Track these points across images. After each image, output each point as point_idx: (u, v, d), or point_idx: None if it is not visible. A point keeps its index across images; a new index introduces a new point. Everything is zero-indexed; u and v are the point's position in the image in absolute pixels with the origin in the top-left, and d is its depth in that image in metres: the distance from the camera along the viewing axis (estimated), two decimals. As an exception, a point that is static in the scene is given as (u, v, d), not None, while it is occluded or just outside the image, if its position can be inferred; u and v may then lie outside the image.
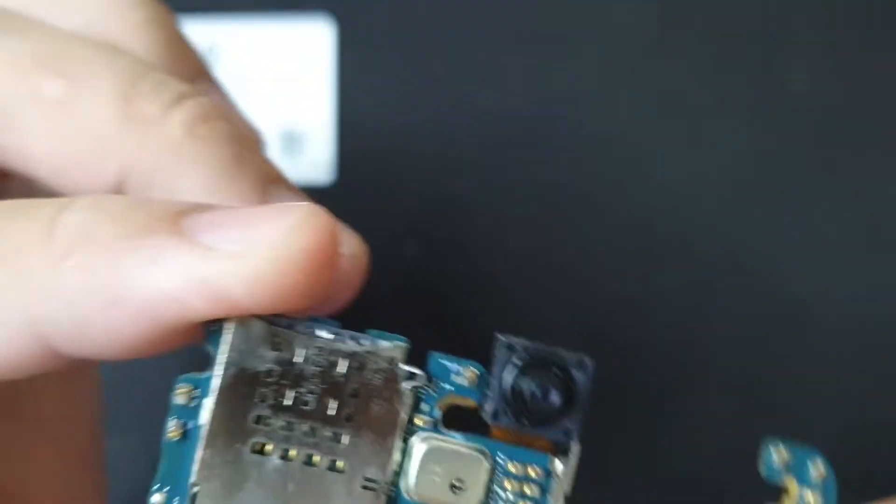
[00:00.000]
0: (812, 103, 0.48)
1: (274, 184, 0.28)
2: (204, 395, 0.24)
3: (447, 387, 0.25)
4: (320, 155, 0.49)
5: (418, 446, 0.25)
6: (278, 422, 0.24)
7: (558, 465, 0.25)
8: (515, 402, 0.25)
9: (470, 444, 0.25)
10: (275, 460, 0.24)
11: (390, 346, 0.25)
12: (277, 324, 0.24)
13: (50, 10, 0.30)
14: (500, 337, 0.25)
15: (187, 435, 0.24)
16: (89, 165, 0.27)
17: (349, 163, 0.49)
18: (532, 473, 0.25)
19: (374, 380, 0.25)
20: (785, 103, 0.48)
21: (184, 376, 0.25)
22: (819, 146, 0.47)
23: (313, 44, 0.50)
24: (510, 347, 0.25)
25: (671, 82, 0.47)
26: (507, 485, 0.25)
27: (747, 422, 0.45)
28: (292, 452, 0.24)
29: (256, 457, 0.24)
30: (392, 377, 0.25)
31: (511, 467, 0.25)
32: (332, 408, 0.24)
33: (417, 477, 0.25)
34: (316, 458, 0.24)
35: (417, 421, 0.25)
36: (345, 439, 0.24)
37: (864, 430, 0.45)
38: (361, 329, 0.25)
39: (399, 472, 0.25)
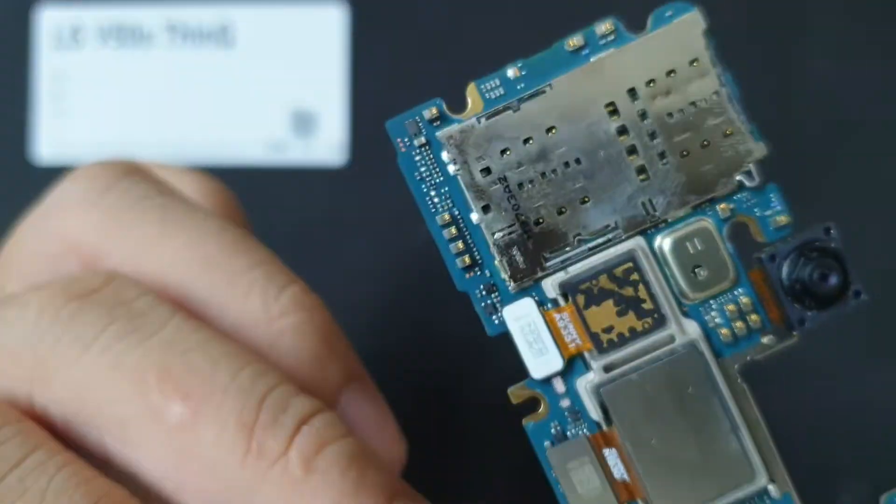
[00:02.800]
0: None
1: (398, 499, 0.29)
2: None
3: (756, 210, 0.27)
4: (333, 136, 0.50)
5: (701, 224, 0.27)
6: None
7: (769, 338, 0.27)
8: (795, 271, 0.27)
9: (731, 253, 0.27)
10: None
11: (759, 145, 0.27)
12: None
13: (214, 301, 0.30)
14: (833, 228, 0.27)
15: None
16: (205, 494, 0.27)
17: (362, 144, 0.49)
18: (753, 319, 0.27)
19: (725, 151, 0.27)
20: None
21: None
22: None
23: (327, 26, 0.51)
24: (827, 230, 0.27)
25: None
26: (729, 308, 0.27)
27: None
28: (633, 140, 0.27)
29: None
30: (738, 162, 0.27)
31: (743, 299, 0.27)
32: (681, 137, 0.27)
33: (674, 241, 0.27)
34: (632, 158, 0.27)
35: (718, 206, 0.27)
36: (667, 161, 0.27)
37: None
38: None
39: (666, 222, 0.27)
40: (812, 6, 0.49)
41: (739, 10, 0.49)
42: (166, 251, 0.31)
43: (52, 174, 0.48)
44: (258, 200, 0.50)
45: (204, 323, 0.29)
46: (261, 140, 0.51)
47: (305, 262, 0.48)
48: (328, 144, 0.51)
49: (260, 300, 0.30)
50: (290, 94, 0.51)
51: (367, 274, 0.49)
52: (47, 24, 0.51)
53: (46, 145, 0.51)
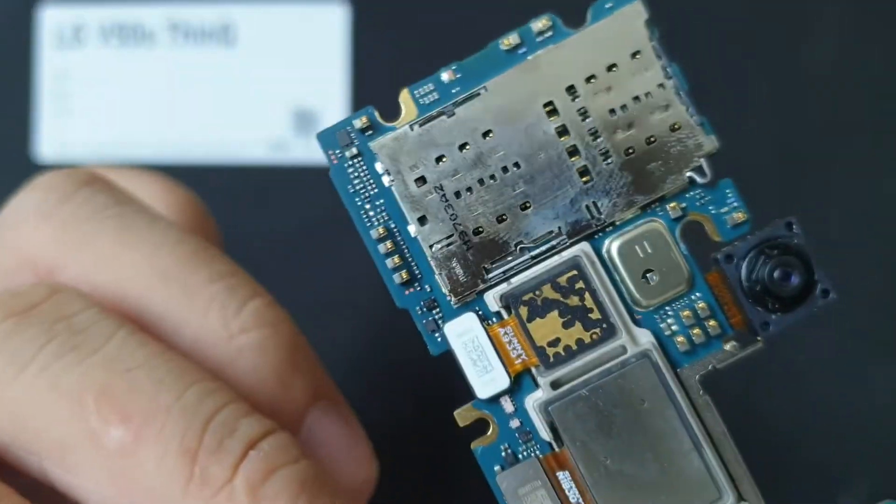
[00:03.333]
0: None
1: None
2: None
3: (711, 208, 0.26)
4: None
5: (651, 225, 0.26)
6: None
7: (731, 345, 0.26)
8: (753, 272, 0.25)
9: (685, 255, 0.25)
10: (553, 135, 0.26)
11: (709, 139, 0.25)
12: None
13: (171, 317, 0.29)
14: (794, 223, 0.25)
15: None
16: None
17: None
18: (711, 325, 0.25)
19: (673, 147, 0.25)
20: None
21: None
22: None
23: (328, 25, 0.50)
24: (789, 225, 0.25)
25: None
26: (684, 314, 0.25)
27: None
28: (574, 140, 0.26)
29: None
30: (687, 157, 0.25)
31: (699, 304, 0.26)
32: (625, 134, 0.25)
33: (621, 245, 0.26)
34: (574, 159, 0.25)
35: (668, 205, 0.26)
36: (611, 161, 0.25)
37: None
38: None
39: (614, 226, 0.25)
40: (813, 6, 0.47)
41: (739, 10, 0.48)
42: (123, 265, 0.30)
43: (54, 172, 0.49)
44: (259, 199, 0.49)
45: (151, 337, 0.28)
46: (262, 139, 0.50)
47: (306, 262, 0.48)
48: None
49: (219, 316, 0.29)
50: (291, 93, 0.50)
51: (368, 273, 0.48)
52: (49, 22, 0.51)
53: (48, 144, 0.51)
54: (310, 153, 0.50)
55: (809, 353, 0.44)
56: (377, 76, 0.49)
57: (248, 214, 0.48)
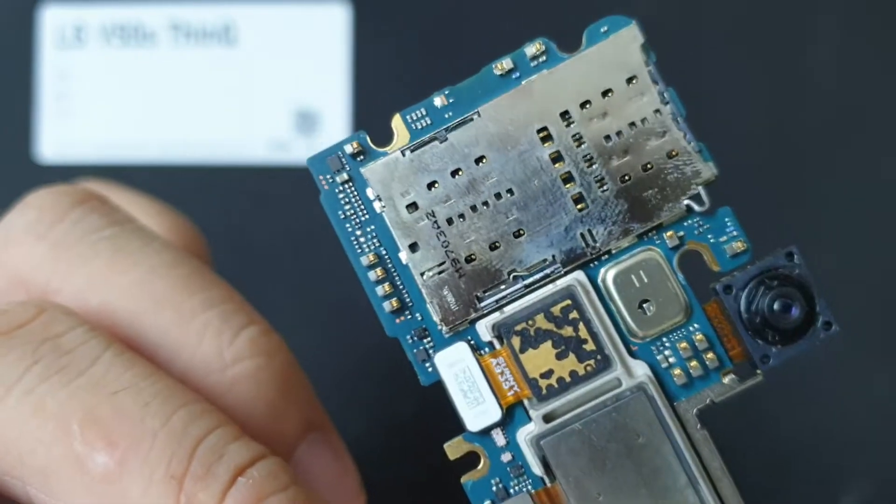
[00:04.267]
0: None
1: None
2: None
3: (710, 236, 0.25)
4: (336, 135, 0.49)
5: (647, 254, 0.25)
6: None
7: (730, 378, 0.25)
8: (752, 305, 0.25)
9: (682, 285, 0.25)
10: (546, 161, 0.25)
11: (708, 166, 0.25)
12: None
13: (164, 344, 0.28)
14: (795, 253, 0.25)
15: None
16: None
17: (370, 137, 0.49)
18: (710, 358, 0.25)
19: (670, 174, 0.25)
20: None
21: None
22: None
23: (330, 25, 0.49)
24: (789, 255, 0.25)
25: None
26: (681, 346, 0.25)
27: None
28: (568, 167, 0.25)
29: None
30: (684, 185, 0.25)
31: (697, 336, 0.25)
32: (620, 161, 0.25)
33: (617, 274, 0.25)
34: (569, 186, 0.25)
35: (665, 234, 0.25)
36: (607, 188, 0.25)
37: None
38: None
39: (609, 255, 0.25)
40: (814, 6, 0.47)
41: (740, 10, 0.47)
42: (115, 288, 0.29)
43: (56, 173, 0.49)
44: (261, 200, 0.49)
45: (139, 358, 0.28)
46: (264, 139, 0.50)
47: (308, 262, 0.48)
48: (329, 142, 0.50)
49: (213, 344, 0.29)
50: (292, 94, 0.50)
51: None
52: (50, 22, 0.51)
53: (49, 144, 0.51)
54: (311, 153, 0.50)
55: (818, 353, 0.43)
56: (378, 76, 0.49)
57: (249, 214, 0.48)
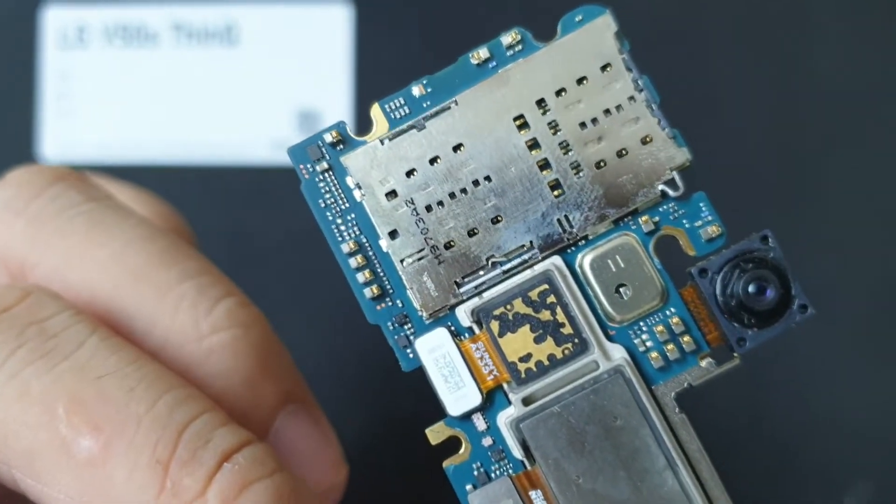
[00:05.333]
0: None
1: None
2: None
3: (685, 221, 0.26)
4: None
5: (623, 239, 0.26)
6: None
7: (707, 361, 0.26)
8: (727, 286, 0.25)
9: (658, 269, 0.25)
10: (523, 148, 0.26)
11: (681, 151, 0.25)
12: None
13: (141, 316, 0.28)
14: (770, 236, 0.25)
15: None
16: None
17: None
18: (686, 341, 0.25)
19: (644, 160, 0.25)
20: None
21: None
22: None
23: (332, 26, 0.50)
24: (764, 239, 0.25)
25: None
26: (658, 329, 0.25)
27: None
28: (545, 154, 0.26)
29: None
30: (659, 170, 0.25)
31: (673, 319, 0.25)
32: (595, 148, 0.25)
33: (594, 259, 0.26)
34: (545, 172, 0.26)
35: (640, 219, 0.26)
36: (582, 174, 0.25)
37: None
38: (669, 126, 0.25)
39: (586, 240, 0.26)
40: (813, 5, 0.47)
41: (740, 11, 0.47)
42: (92, 262, 0.29)
43: (57, 172, 0.50)
44: (262, 199, 0.49)
45: (125, 342, 0.28)
46: (265, 139, 0.50)
47: (310, 261, 0.48)
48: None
49: (189, 315, 0.29)
50: (294, 94, 0.51)
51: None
52: (52, 23, 0.52)
53: (51, 144, 0.51)
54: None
55: (813, 355, 0.43)
56: (380, 76, 0.49)
57: (251, 214, 0.49)
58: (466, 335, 0.26)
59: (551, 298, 0.25)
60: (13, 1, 0.52)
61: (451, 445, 0.26)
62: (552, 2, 0.48)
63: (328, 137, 0.26)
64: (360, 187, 0.26)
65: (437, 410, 0.26)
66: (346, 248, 0.26)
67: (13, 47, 0.52)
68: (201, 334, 0.29)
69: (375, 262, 0.26)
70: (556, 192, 0.26)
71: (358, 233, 0.26)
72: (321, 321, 0.48)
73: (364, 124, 0.49)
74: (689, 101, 0.45)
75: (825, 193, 0.46)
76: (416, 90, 0.26)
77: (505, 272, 0.26)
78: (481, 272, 0.26)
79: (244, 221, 0.49)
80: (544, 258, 0.26)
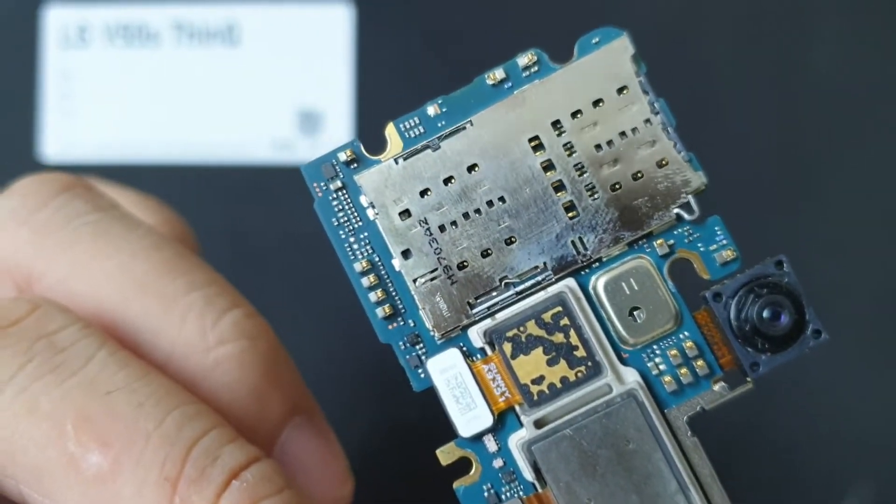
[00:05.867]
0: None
1: None
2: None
3: (699, 245, 0.26)
4: (339, 135, 0.49)
5: (638, 262, 0.26)
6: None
7: (720, 385, 0.26)
8: (742, 311, 0.25)
9: (672, 292, 0.25)
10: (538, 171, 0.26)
11: (697, 175, 0.25)
12: None
13: (147, 327, 0.28)
14: (784, 262, 0.25)
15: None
16: None
17: (368, 143, 0.49)
18: (699, 365, 0.25)
19: (660, 183, 0.25)
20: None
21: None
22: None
23: (333, 26, 0.50)
24: (779, 264, 0.25)
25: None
26: (671, 353, 0.25)
27: None
28: (560, 175, 0.26)
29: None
30: (674, 194, 0.25)
31: (687, 343, 0.25)
32: (611, 170, 0.25)
33: (608, 281, 0.26)
34: (560, 194, 0.25)
35: (655, 242, 0.26)
36: (597, 196, 0.25)
37: None
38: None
39: (600, 262, 0.26)
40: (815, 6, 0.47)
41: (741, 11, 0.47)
42: (99, 273, 0.29)
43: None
44: (264, 199, 0.49)
45: (133, 356, 0.28)
46: (267, 139, 0.50)
47: (312, 261, 0.48)
48: (334, 143, 0.50)
49: (196, 327, 0.29)
50: (296, 94, 0.50)
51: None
52: (54, 22, 0.52)
53: (53, 144, 0.51)
54: (315, 153, 0.50)
55: (815, 360, 0.43)
56: (381, 76, 0.49)
57: (252, 214, 0.49)
58: (478, 356, 0.26)
59: (564, 321, 0.25)
60: (14, 0, 0.52)
61: (462, 466, 0.26)
62: (556, 2, 0.48)
63: (342, 156, 0.26)
64: (373, 206, 0.26)
65: (442, 418, 0.26)
66: (358, 266, 0.26)
67: (14, 47, 0.52)
68: (208, 346, 0.29)
69: (388, 281, 0.26)
70: (570, 214, 0.26)
71: (370, 252, 0.26)
72: (323, 323, 0.48)
73: (364, 124, 0.49)
74: (688, 108, 0.45)
75: (828, 197, 0.46)
76: (432, 110, 0.26)
77: (518, 293, 0.26)
78: (494, 293, 0.26)
79: (245, 221, 0.49)
80: (558, 280, 0.26)
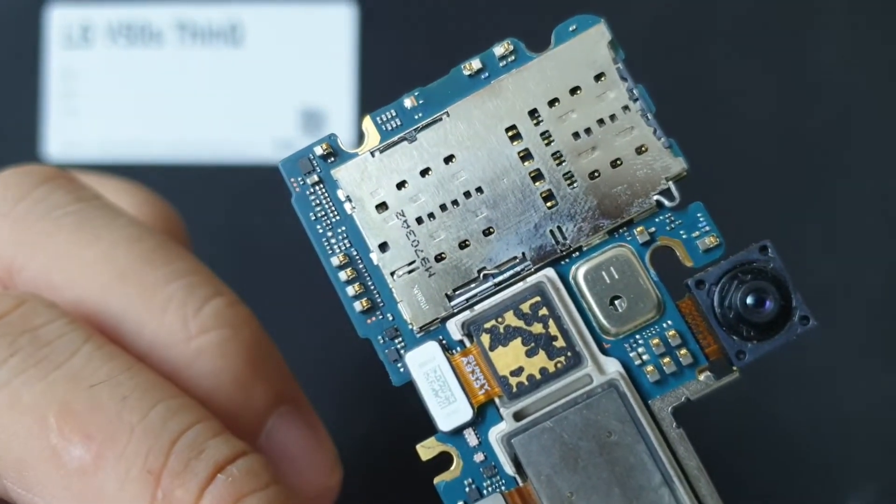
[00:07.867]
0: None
1: None
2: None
3: (682, 232, 0.25)
4: (341, 134, 0.48)
5: (618, 250, 0.25)
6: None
7: (705, 375, 0.25)
8: (725, 296, 0.25)
9: (654, 281, 0.25)
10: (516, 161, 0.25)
11: (677, 161, 0.25)
12: None
13: (129, 317, 0.28)
14: (769, 247, 0.25)
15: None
16: None
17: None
18: (682, 354, 0.25)
19: (639, 170, 0.25)
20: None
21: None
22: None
23: (335, 25, 0.50)
24: (763, 249, 0.25)
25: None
26: (654, 343, 0.25)
27: None
28: (537, 164, 0.25)
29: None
30: (654, 180, 0.25)
31: (669, 332, 0.25)
32: (589, 158, 0.25)
33: (588, 270, 0.25)
34: (538, 183, 0.25)
35: (636, 230, 0.25)
36: (576, 185, 0.25)
37: None
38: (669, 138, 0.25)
39: (580, 251, 0.25)
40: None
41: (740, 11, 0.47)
42: (79, 263, 0.29)
43: (62, 172, 0.50)
44: (266, 198, 0.49)
45: (119, 350, 0.28)
46: (269, 138, 0.51)
47: (313, 260, 0.48)
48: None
49: (177, 316, 0.29)
50: (298, 93, 0.51)
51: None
52: (57, 22, 0.52)
53: (56, 143, 0.52)
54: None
55: (817, 354, 0.43)
56: (384, 75, 0.49)
57: (254, 214, 0.49)
58: (458, 349, 0.26)
59: (543, 311, 0.25)
60: (18, 0, 0.52)
61: (443, 461, 0.26)
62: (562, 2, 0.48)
63: (319, 150, 0.26)
64: (350, 200, 0.26)
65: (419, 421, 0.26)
66: (335, 260, 0.26)
67: (18, 46, 0.52)
68: (189, 335, 0.29)
69: (366, 274, 0.26)
70: (549, 203, 0.25)
71: (348, 245, 0.26)
72: (324, 323, 0.48)
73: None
74: (682, 107, 0.45)
75: (825, 194, 0.45)
76: (408, 102, 0.26)
77: (497, 284, 0.26)
78: (473, 285, 0.26)
79: (248, 220, 0.49)
80: (537, 270, 0.25)
